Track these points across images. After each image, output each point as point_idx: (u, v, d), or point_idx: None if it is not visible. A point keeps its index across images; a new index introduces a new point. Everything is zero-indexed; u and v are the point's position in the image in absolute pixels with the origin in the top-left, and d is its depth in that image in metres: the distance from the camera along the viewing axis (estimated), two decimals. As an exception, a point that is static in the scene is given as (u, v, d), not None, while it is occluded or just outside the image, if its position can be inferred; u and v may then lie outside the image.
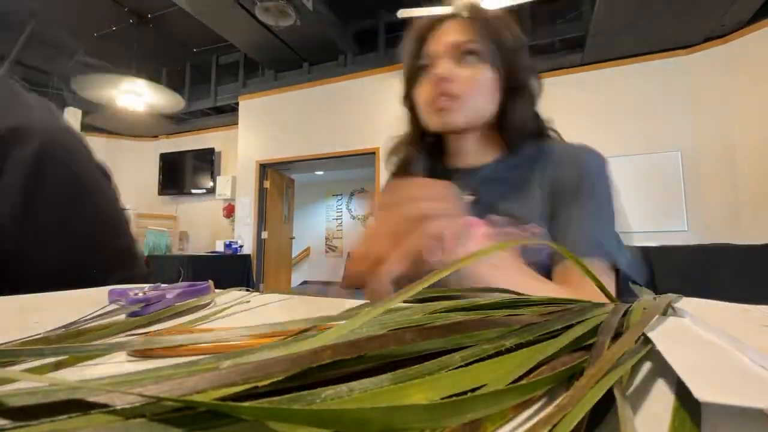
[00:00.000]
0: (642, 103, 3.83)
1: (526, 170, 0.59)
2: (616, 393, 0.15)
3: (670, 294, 0.27)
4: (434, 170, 0.66)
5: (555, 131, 0.65)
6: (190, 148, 5.90)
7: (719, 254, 2.30)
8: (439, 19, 0.60)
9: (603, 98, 3.96)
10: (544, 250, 0.53)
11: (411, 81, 0.63)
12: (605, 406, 0.14)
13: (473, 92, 0.57)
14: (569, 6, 3.78)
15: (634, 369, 0.20)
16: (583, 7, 3.70)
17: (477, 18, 0.58)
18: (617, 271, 0.51)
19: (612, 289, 0.50)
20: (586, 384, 0.13)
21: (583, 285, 0.45)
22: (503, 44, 0.58)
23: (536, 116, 0.63)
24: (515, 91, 0.59)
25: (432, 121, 0.60)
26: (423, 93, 0.60)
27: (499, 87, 0.58)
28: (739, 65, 3.52)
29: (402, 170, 0.68)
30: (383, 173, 4.15)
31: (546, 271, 0.53)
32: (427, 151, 0.66)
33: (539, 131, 0.63)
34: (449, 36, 0.58)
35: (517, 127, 0.60)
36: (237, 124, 5.09)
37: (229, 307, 0.37)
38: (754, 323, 0.22)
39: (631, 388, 0.17)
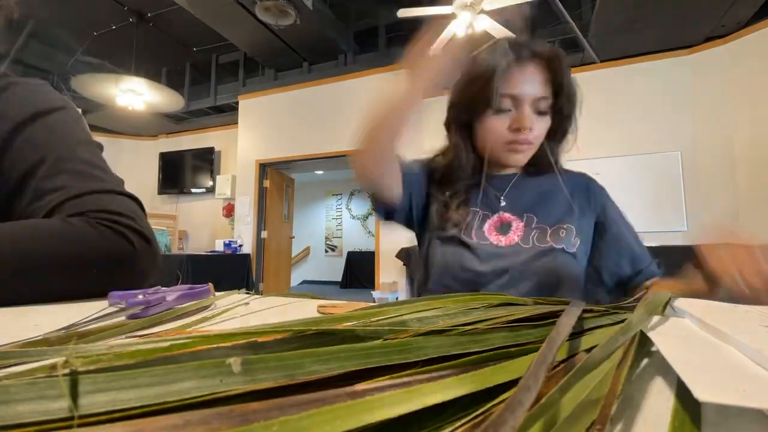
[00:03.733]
0: (642, 103, 3.83)
1: (548, 182, 0.70)
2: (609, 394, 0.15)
3: (664, 293, 0.27)
4: (472, 170, 0.74)
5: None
6: (189, 148, 5.89)
7: (719, 254, 2.30)
8: (523, 58, 0.64)
9: (603, 98, 3.96)
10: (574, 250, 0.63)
11: (477, 109, 0.67)
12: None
13: (540, 139, 0.67)
14: (569, 6, 3.78)
15: (635, 369, 0.20)
16: (583, 7, 3.69)
17: (554, 70, 0.64)
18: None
19: None
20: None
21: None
22: (567, 94, 0.65)
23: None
24: (560, 130, 0.69)
25: (502, 156, 0.68)
26: (500, 128, 0.65)
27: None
28: (739, 65, 3.52)
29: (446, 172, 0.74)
30: (383, 173, 4.15)
31: (581, 278, 0.64)
32: (468, 159, 0.74)
33: (554, 156, 0.73)
34: (533, 86, 0.63)
35: (546, 154, 0.70)
36: (237, 123, 5.09)
37: (230, 309, 0.37)
38: (754, 323, 0.22)
39: (632, 388, 0.17)
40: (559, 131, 0.68)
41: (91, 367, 0.12)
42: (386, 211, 0.69)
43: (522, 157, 0.67)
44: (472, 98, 0.66)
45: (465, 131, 0.70)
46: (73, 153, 0.57)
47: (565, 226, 0.64)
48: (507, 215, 0.67)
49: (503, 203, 0.69)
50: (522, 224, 0.66)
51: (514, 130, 0.63)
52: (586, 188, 0.69)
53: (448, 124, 0.73)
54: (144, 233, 0.55)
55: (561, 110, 0.65)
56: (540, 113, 0.64)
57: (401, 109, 0.55)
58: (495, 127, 0.65)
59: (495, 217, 0.68)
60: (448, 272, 0.64)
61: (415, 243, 0.77)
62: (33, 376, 0.12)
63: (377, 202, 0.68)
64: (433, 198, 0.72)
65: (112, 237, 0.51)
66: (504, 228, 0.66)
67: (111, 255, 0.50)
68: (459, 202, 0.69)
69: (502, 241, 0.65)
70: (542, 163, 0.70)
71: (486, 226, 0.67)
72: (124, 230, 0.52)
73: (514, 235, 0.65)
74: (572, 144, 0.70)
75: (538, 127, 0.65)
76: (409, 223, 0.73)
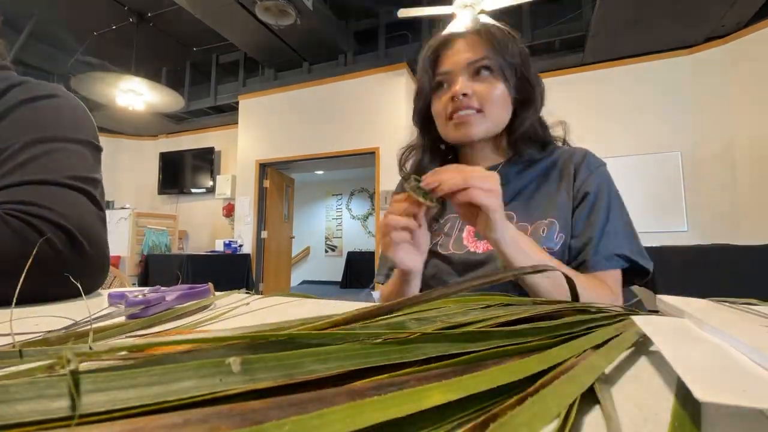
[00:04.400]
0: (642, 103, 3.83)
1: (535, 173, 0.64)
2: (599, 394, 0.15)
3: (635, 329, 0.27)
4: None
5: (557, 137, 0.69)
6: (189, 148, 5.89)
7: (719, 254, 2.30)
8: (451, 38, 0.63)
9: (603, 98, 3.96)
10: (556, 248, 0.57)
11: (426, 98, 0.66)
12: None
13: (490, 105, 0.61)
14: (569, 6, 3.78)
15: (635, 369, 0.20)
16: (583, 7, 3.70)
17: (487, 36, 0.62)
18: (645, 273, 0.57)
19: (620, 292, 0.55)
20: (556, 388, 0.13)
21: (602, 284, 0.53)
22: (512, 59, 0.62)
23: (541, 123, 0.67)
24: (524, 101, 0.63)
25: (451, 134, 0.63)
26: (441, 108, 0.63)
27: (510, 98, 0.63)
28: (739, 65, 3.52)
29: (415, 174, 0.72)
30: (383, 173, 4.15)
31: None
32: (439, 157, 0.71)
33: (543, 137, 0.66)
34: (463, 54, 0.61)
35: (525, 133, 0.64)
36: (237, 123, 5.09)
37: (229, 311, 0.37)
38: (754, 323, 0.22)
39: (632, 388, 0.17)
40: (526, 98, 0.63)
41: (91, 367, 0.12)
42: None
43: (473, 130, 0.61)
44: (418, 96, 0.68)
45: (428, 127, 0.69)
46: (33, 142, 0.52)
47: (546, 221, 0.58)
48: None
49: None
50: None
51: (451, 99, 0.61)
52: (580, 163, 0.62)
53: (415, 122, 0.72)
54: (69, 230, 0.49)
55: (511, 71, 0.61)
56: (483, 78, 0.61)
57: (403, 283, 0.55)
58: (437, 106, 0.64)
59: None
60: (428, 287, 0.61)
61: None
62: (32, 375, 0.12)
63: None
64: None
65: (25, 231, 0.45)
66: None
67: (21, 252, 0.43)
68: (431, 215, 0.65)
69: (479, 247, 0.60)
70: (526, 144, 0.64)
71: (465, 233, 0.63)
72: (37, 223, 0.46)
73: None
74: (541, 114, 0.66)
75: (484, 92, 0.60)
76: None
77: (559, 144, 0.68)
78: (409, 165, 0.75)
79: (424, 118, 0.69)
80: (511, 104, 0.63)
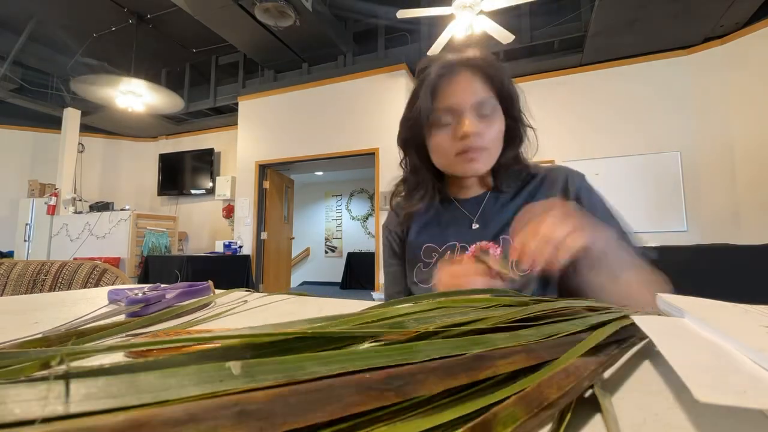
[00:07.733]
0: (642, 104, 3.83)
1: (522, 198, 0.67)
2: (598, 394, 0.15)
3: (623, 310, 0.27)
4: (440, 198, 0.74)
5: (531, 163, 0.71)
6: (189, 149, 5.89)
7: (719, 254, 2.30)
8: (452, 68, 0.63)
9: (603, 98, 3.97)
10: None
11: (423, 128, 0.67)
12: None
13: (492, 144, 0.64)
14: (568, 6, 3.79)
15: (635, 369, 0.20)
16: (582, 7, 3.70)
17: (486, 71, 0.63)
18: None
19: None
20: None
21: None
22: (509, 95, 0.64)
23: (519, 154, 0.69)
24: (514, 135, 0.67)
25: (459, 169, 0.65)
26: (447, 144, 0.64)
27: (503, 134, 0.65)
28: (738, 65, 3.52)
29: (409, 200, 0.75)
30: (383, 174, 4.15)
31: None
32: (431, 184, 0.73)
33: (522, 166, 0.70)
34: (469, 92, 0.62)
35: (511, 165, 0.68)
36: (236, 124, 5.09)
37: (229, 309, 0.37)
38: (754, 323, 0.22)
39: (632, 388, 0.17)
40: (515, 135, 0.67)
41: (92, 368, 0.12)
42: None
43: (480, 166, 0.64)
44: (413, 123, 0.67)
45: (420, 152, 0.70)
46: None
47: None
48: (484, 243, 0.63)
49: (475, 227, 0.66)
50: (499, 249, 0.62)
51: (461, 138, 0.62)
52: (564, 182, 0.65)
53: (404, 147, 0.73)
54: None
55: (506, 112, 0.64)
56: (485, 116, 0.62)
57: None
58: (441, 142, 0.64)
59: (473, 247, 0.64)
60: None
61: None
62: (31, 376, 0.12)
63: None
64: (407, 257, 0.72)
65: None
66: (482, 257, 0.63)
67: None
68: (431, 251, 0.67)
69: None
70: (508, 176, 0.68)
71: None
72: None
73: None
74: (534, 148, 0.69)
75: (488, 131, 0.62)
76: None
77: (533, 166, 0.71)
78: (396, 198, 0.77)
79: (416, 144, 0.70)
80: (502, 139, 0.66)
